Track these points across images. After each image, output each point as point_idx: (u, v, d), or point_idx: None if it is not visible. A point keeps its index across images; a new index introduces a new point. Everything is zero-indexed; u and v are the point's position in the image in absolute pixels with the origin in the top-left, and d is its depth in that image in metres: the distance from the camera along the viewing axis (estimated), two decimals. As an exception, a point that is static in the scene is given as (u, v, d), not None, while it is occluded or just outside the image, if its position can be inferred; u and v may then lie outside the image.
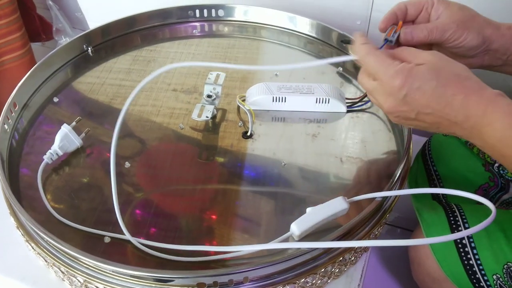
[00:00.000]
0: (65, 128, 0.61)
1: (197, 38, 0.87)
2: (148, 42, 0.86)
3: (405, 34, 0.53)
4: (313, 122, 0.69)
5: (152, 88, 0.75)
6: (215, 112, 0.70)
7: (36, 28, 1.34)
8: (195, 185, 0.60)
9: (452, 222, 0.57)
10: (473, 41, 0.52)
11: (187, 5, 0.89)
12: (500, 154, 0.43)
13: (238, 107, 0.71)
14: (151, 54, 0.83)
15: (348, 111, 0.70)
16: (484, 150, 0.45)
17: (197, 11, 0.90)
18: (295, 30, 0.87)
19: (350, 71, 0.79)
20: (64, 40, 1.35)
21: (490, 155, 0.45)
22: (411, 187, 0.71)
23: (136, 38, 0.86)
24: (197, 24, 0.90)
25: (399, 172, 0.58)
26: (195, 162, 0.63)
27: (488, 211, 0.44)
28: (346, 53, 0.83)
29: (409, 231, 1.00)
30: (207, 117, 0.65)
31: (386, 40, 0.53)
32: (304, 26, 0.86)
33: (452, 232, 0.56)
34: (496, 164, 0.69)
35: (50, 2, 1.36)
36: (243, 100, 0.72)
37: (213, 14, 0.90)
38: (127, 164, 0.61)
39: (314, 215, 0.51)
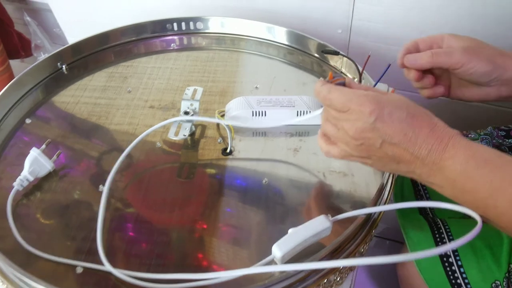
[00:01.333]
0: (34, 152, 0.58)
1: (175, 52, 0.85)
2: (124, 58, 0.83)
3: (409, 58, 0.53)
4: (294, 136, 0.67)
5: (129, 106, 0.73)
6: (194, 128, 0.67)
7: (15, 45, 1.31)
8: (173, 206, 0.58)
9: (438, 239, 0.55)
10: (483, 67, 0.50)
11: (164, 19, 0.88)
12: (462, 189, 0.42)
13: (218, 123, 0.69)
14: (127, 70, 0.81)
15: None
16: (443, 190, 0.44)
17: (175, 24, 0.88)
18: (274, 40, 0.85)
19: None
20: (43, 57, 1.33)
21: (450, 196, 0.44)
22: (396, 200, 0.69)
23: (111, 54, 0.84)
24: (175, 37, 0.88)
25: (384, 186, 0.56)
26: (173, 181, 0.61)
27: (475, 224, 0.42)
28: (326, 62, 0.81)
29: (398, 242, 0.98)
30: (184, 135, 0.63)
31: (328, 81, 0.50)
32: (283, 36, 0.84)
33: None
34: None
35: (28, 18, 1.33)
36: (222, 115, 0.70)
37: (191, 27, 0.88)
38: (101, 188, 0.59)
39: (296, 236, 0.49)
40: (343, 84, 0.49)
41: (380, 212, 0.56)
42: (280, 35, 0.85)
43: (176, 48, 0.86)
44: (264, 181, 0.61)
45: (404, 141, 0.43)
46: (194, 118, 0.64)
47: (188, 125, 0.64)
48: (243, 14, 0.97)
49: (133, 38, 0.86)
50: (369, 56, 0.55)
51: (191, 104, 0.67)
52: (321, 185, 0.60)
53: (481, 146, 0.42)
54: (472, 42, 0.52)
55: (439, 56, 0.51)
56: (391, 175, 0.59)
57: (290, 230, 0.50)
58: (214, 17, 0.87)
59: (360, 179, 0.61)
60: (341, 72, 0.79)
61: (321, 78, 0.52)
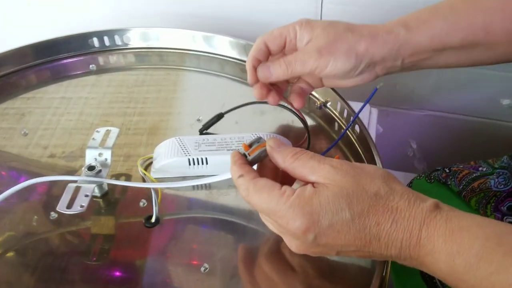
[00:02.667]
0: None
1: (94, 76, 0.65)
2: (25, 88, 0.63)
3: (262, 71, 0.46)
4: (249, 191, 0.48)
5: (21, 155, 0.53)
6: (106, 188, 0.48)
7: None
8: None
9: None
10: (344, 65, 0.44)
11: (82, 33, 0.68)
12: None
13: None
14: (27, 104, 0.60)
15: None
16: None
17: (95, 40, 0.68)
18: (222, 54, 0.66)
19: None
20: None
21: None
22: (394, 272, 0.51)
23: (7, 84, 0.64)
24: (96, 56, 0.68)
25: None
26: (77, 267, 0.41)
27: None
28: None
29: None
30: (81, 206, 0.43)
31: (244, 154, 0.38)
32: (226, 46, 0.66)
33: None
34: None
35: None
36: (149, 165, 0.50)
37: (118, 41, 0.69)
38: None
39: None
40: (266, 154, 0.37)
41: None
42: (223, 46, 0.66)
43: (95, 70, 0.66)
44: (203, 269, 0.41)
45: (365, 245, 0.33)
46: (97, 179, 0.44)
47: (90, 188, 0.44)
48: (186, 23, 0.78)
49: (38, 61, 0.66)
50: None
51: (100, 154, 0.47)
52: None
53: (472, 226, 0.31)
54: (326, 35, 0.44)
55: (293, 67, 0.45)
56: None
57: None
58: (147, 29, 0.68)
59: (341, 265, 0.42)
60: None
61: (240, 147, 0.36)
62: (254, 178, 0.35)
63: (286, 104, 0.52)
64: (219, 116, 0.55)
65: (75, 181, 0.45)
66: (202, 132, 0.55)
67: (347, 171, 0.33)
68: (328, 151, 0.49)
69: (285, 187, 0.34)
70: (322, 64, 0.44)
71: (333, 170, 0.33)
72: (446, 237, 0.31)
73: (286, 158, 0.35)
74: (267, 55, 0.47)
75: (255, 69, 0.46)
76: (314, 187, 0.33)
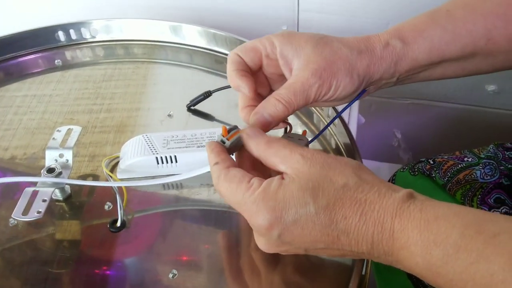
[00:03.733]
0: None
1: (59, 72, 0.62)
2: (-15, 86, 0.59)
3: (258, 120, 0.36)
4: (221, 189, 0.45)
5: (-22, 158, 0.49)
6: (68, 191, 0.45)
7: None
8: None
9: None
10: (347, 87, 0.37)
11: (46, 26, 0.64)
12: (437, 284, 0.29)
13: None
14: (-13, 103, 0.57)
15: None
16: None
17: (61, 33, 0.64)
18: (191, 44, 0.63)
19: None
20: None
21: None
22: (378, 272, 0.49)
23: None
24: (61, 51, 0.64)
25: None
26: (38, 275, 0.38)
27: None
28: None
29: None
30: (38, 213, 0.40)
31: (222, 141, 0.35)
32: (195, 36, 0.63)
33: None
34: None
35: None
36: (115, 165, 0.47)
37: (85, 34, 0.65)
38: None
39: None
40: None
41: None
42: (192, 36, 0.63)
43: (61, 65, 0.63)
44: (171, 275, 0.38)
45: (333, 242, 0.30)
46: (57, 180, 0.41)
47: (49, 192, 0.41)
48: (160, 14, 0.75)
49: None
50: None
51: (60, 155, 0.44)
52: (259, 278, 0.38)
53: (449, 215, 0.28)
54: (321, 53, 0.37)
55: (294, 103, 0.36)
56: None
57: None
58: (114, 20, 0.65)
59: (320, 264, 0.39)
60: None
61: (218, 133, 0.33)
62: (228, 168, 0.32)
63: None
64: (207, 94, 0.53)
65: (34, 183, 0.42)
66: (189, 108, 0.53)
67: (316, 162, 0.31)
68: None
69: (254, 179, 0.31)
70: (324, 90, 0.37)
71: (302, 160, 0.31)
72: (421, 228, 0.29)
73: (259, 146, 0.33)
74: (246, 65, 0.39)
75: (246, 107, 0.39)
76: (282, 178, 0.31)
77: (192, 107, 0.54)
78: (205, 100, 0.54)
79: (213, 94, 0.54)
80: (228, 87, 0.52)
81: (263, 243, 0.33)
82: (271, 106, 0.36)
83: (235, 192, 0.31)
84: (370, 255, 0.31)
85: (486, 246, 0.26)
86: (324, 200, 0.30)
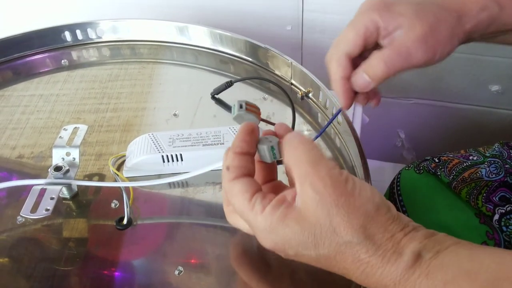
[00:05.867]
0: None
1: (65, 72, 0.62)
2: (-8, 85, 0.60)
3: (358, 80, 0.36)
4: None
5: (-13, 157, 0.50)
6: (75, 189, 0.45)
7: None
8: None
9: None
10: (448, 51, 0.36)
11: (52, 26, 0.64)
12: None
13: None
14: (-6, 102, 0.57)
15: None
16: None
17: (67, 34, 0.65)
18: (197, 44, 0.64)
19: (275, 93, 0.56)
20: None
21: None
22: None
23: (-26, 81, 0.61)
24: (68, 51, 0.65)
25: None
26: (45, 273, 0.39)
27: None
28: (270, 70, 0.60)
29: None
30: (46, 210, 0.40)
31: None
32: (201, 37, 0.63)
33: None
34: (496, 217, 0.48)
35: None
36: (121, 164, 0.47)
37: (91, 35, 0.65)
38: None
39: None
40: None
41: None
42: (198, 36, 0.63)
43: (67, 65, 0.63)
44: (176, 272, 0.39)
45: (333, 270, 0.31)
46: (62, 180, 0.42)
47: (56, 190, 0.42)
48: (164, 13, 0.75)
49: (6, 58, 0.63)
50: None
51: (67, 153, 0.44)
52: (264, 275, 0.38)
53: (459, 278, 0.27)
54: (424, 17, 0.35)
55: (396, 63, 0.35)
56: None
57: None
58: (120, 21, 0.65)
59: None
60: (291, 83, 0.58)
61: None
62: (234, 179, 0.32)
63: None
64: (229, 84, 0.55)
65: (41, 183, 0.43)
66: (213, 96, 0.55)
67: (325, 202, 0.29)
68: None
69: (256, 198, 0.31)
70: (428, 55, 0.36)
71: (312, 194, 0.29)
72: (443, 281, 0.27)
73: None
74: (351, 67, 0.37)
75: (344, 81, 0.37)
76: (290, 203, 0.30)
77: (216, 96, 0.55)
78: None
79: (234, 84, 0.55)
80: (249, 78, 0.57)
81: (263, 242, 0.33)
82: (372, 66, 0.36)
83: (240, 205, 0.32)
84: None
85: None
86: (325, 250, 0.29)
